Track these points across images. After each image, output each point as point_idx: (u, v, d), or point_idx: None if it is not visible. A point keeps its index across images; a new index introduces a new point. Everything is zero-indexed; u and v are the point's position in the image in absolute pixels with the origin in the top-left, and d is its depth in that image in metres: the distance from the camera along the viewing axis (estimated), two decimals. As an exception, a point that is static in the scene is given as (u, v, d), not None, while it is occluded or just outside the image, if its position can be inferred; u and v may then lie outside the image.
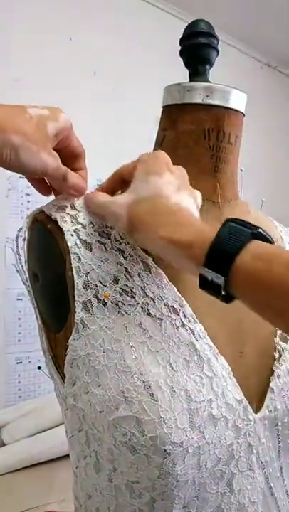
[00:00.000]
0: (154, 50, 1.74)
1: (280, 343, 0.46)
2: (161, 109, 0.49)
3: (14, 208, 1.46)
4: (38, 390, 1.51)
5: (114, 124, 1.65)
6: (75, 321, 0.39)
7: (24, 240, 0.46)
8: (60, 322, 0.42)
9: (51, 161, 0.38)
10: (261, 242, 0.33)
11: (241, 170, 0.55)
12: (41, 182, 0.45)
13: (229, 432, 0.39)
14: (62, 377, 0.42)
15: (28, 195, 1.47)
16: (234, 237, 0.33)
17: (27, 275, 0.47)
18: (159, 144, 0.49)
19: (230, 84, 0.47)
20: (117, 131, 1.65)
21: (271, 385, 0.43)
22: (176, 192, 0.39)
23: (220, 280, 0.32)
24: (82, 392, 0.39)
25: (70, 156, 0.43)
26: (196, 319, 0.41)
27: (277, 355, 0.45)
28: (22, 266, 0.48)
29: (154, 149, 0.50)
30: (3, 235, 1.43)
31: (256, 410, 0.42)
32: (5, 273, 1.43)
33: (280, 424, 0.43)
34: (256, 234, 0.33)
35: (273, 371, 0.44)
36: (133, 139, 1.59)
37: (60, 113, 0.40)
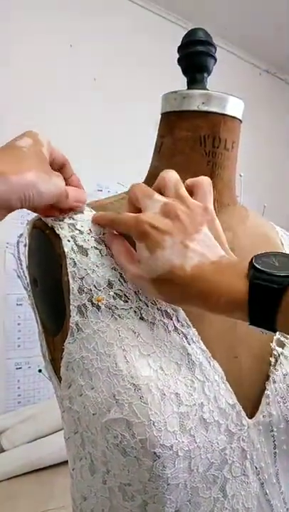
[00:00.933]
0: (154, 56, 1.76)
1: (276, 348, 0.46)
2: (160, 116, 0.50)
3: (14, 213, 1.45)
4: (37, 395, 1.50)
5: (114, 129, 1.66)
6: (70, 324, 0.39)
7: (25, 245, 0.47)
8: (57, 326, 0.43)
9: (60, 181, 0.40)
10: None
11: (240, 175, 0.55)
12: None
13: (222, 437, 0.39)
14: (60, 380, 0.43)
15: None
16: (267, 295, 0.33)
17: (28, 280, 0.48)
18: (157, 151, 0.50)
19: (229, 91, 0.48)
20: (117, 136, 1.66)
21: (267, 390, 0.43)
22: (186, 249, 0.37)
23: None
24: (76, 395, 0.40)
25: (58, 167, 0.44)
26: (189, 323, 0.41)
27: (273, 360, 0.45)
28: (23, 271, 0.49)
29: (153, 156, 0.51)
30: (4, 241, 1.43)
31: (251, 415, 0.42)
32: (5, 278, 1.44)
33: (275, 429, 0.43)
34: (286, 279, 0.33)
35: (269, 376, 0.44)
36: (133, 144, 1.60)
37: (37, 135, 0.41)
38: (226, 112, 0.47)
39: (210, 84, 0.49)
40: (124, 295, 0.40)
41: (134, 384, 0.36)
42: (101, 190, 1.60)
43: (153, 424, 0.35)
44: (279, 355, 0.45)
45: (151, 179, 0.50)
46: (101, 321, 0.39)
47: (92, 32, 1.64)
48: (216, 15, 1.78)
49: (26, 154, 0.38)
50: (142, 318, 0.40)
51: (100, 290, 0.40)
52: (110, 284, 0.40)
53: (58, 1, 1.56)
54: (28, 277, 0.48)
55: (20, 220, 1.46)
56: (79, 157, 1.59)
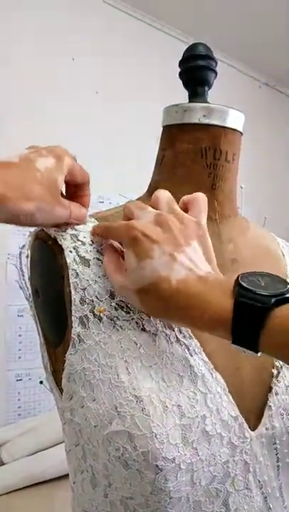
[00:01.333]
0: (155, 70, 1.78)
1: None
2: (162, 129, 0.51)
3: (16, 224, 1.47)
4: (38, 407, 1.49)
5: (115, 142, 1.68)
6: (72, 335, 0.39)
7: (27, 257, 0.47)
8: (59, 337, 0.43)
9: (63, 212, 0.41)
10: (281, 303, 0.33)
11: (241, 187, 0.56)
12: None
13: (224, 449, 0.39)
14: (61, 391, 0.42)
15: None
16: (252, 313, 0.33)
17: (30, 291, 0.48)
18: (159, 164, 0.51)
19: (229, 104, 0.48)
20: (118, 149, 1.68)
21: (269, 402, 0.43)
22: (174, 261, 0.36)
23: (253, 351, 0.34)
24: (78, 407, 0.39)
25: (74, 185, 0.45)
26: (191, 335, 0.41)
27: (275, 371, 0.45)
28: (25, 282, 0.49)
29: (155, 168, 0.52)
30: (5, 252, 1.44)
31: (253, 428, 0.42)
32: (6, 289, 1.44)
33: (278, 442, 0.43)
34: (271, 298, 0.33)
35: (271, 388, 0.44)
36: (133, 157, 1.62)
37: (64, 156, 0.42)
38: (226, 125, 0.47)
39: (211, 97, 0.49)
40: (126, 306, 0.40)
41: (135, 396, 0.36)
42: (102, 202, 1.61)
43: (155, 437, 0.35)
44: (281, 367, 0.45)
45: (152, 192, 0.51)
46: (103, 332, 0.39)
47: (93, 46, 1.66)
48: (216, 29, 1.80)
49: (37, 180, 0.38)
50: (143, 330, 0.39)
51: (101, 301, 0.40)
52: (112, 295, 0.40)
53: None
54: (30, 288, 0.48)
55: (22, 231, 1.47)
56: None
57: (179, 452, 0.36)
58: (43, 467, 1.21)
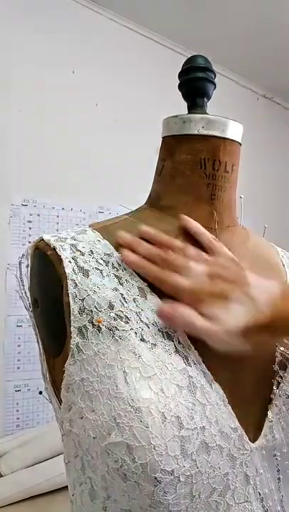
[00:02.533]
0: (154, 82, 1.80)
1: (279, 370, 0.46)
2: (161, 140, 0.51)
3: (16, 234, 1.47)
4: (36, 418, 1.48)
5: (114, 153, 1.69)
6: (71, 346, 0.39)
7: (27, 266, 0.47)
8: (58, 347, 0.42)
9: None
10: None
11: (240, 197, 0.56)
12: None
13: (224, 461, 0.38)
14: (60, 402, 0.42)
15: (29, 222, 1.49)
16: None
17: (30, 301, 0.48)
18: (158, 174, 0.51)
19: (228, 115, 0.49)
20: (117, 160, 1.69)
21: (269, 413, 0.43)
22: (252, 297, 0.41)
23: None
24: (77, 418, 0.39)
25: None
26: (190, 345, 0.41)
27: (275, 382, 0.45)
28: (25, 292, 0.49)
29: (155, 179, 0.52)
30: (5, 262, 1.44)
31: (253, 440, 0.41)
32: (5, 299, 1.43)
33: (278, 454, 0.42)
34: None
35: (271, 399, 0.44)
36: (132, 168, 1.62)
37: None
38: (225, 136, 0.48)
39: (209, 110, 0.50)
40: (125, 316, 0.40)
41: (134, 407, 0.36)
42: (102, 212, 1.62)
43: (154, 448, 0.35)
44: (282, 378, 0.45)
45: (151, 203, 0.51)
46: (101, 343, 0.39)
47: (93, 58, 1.68)
48: (214, 42, 1.82)
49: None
50: (142, 340, 0.39)
51: (100, 311, 0.40)
52: (111, 306, 0.40)
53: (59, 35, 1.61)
54: (29, 298, 0.48)
55: (22, 242, 1.47)
56: (80, 179, 1.61)
57: (178, 464, 0.35)
58: (42, 480, 1.20)
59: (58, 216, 1.55)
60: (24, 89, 1.50)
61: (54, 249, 0.42)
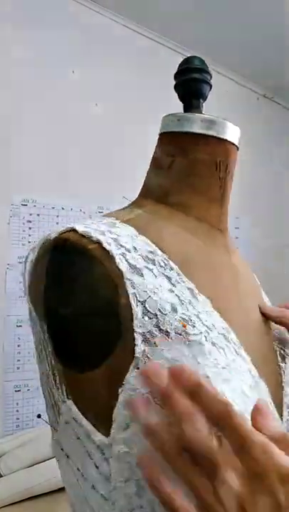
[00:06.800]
0: (154, 82, 1.80)
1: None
2: (161, 134, 0.50)
3: (16, 235, 1.47)
4: (36, 418, 1.48)
5: (114, 153, 1.69)
6: (136, 355, 0.34)
7: (32, 261, 0.42)
8: (96, 358, 0.36)
9: None
10: None
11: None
12: None
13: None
14: (95, 423, 0.36)
15: (29, 222, 1.49)
16: None
17: (42, 308, 0.41)
18: (166, 168, 0.49)
19: (228, 116, 0.50)
20: (118, 160, 1.69)
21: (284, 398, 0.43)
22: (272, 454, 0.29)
23: None
24: (140, 437, 0.33)
25: None
26: (240, 345, 0.39)
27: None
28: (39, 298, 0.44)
29: (157, 172, 0.50)
30: (4, 262, 1.44)
31: None
32: (5, 299, 1.43)
33: None
34: None
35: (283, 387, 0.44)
36: (133, 168, 1.62)
37: None
38: (235, 142, 0.48)
39: (210, 109, 0.50)
40: (190, 319, 0.37)
41: None
42: (102, 212, 1.62)
43: None
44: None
45: (158, 199, 0.48)
46: (174, 349, 0.35)
47: (93, 58, 1.68)
48: (214, 42, 1.82)
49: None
50: (213, 344, 0.37)
51: (165, 315, 0.36)
52: (174, 308, 0.37)
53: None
54: (43, 303, 0.40)
55: (22, 242, 1.47)
56: (80, 179, 1.60)
57: None
58: (42, 480, 1.20)
59: (57, 216, 1.55)
60: (24, 89, 1.50)
61: (98, 242, 0.37)
